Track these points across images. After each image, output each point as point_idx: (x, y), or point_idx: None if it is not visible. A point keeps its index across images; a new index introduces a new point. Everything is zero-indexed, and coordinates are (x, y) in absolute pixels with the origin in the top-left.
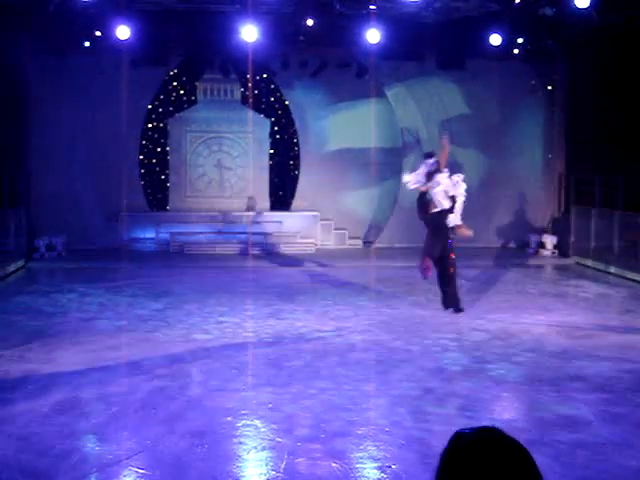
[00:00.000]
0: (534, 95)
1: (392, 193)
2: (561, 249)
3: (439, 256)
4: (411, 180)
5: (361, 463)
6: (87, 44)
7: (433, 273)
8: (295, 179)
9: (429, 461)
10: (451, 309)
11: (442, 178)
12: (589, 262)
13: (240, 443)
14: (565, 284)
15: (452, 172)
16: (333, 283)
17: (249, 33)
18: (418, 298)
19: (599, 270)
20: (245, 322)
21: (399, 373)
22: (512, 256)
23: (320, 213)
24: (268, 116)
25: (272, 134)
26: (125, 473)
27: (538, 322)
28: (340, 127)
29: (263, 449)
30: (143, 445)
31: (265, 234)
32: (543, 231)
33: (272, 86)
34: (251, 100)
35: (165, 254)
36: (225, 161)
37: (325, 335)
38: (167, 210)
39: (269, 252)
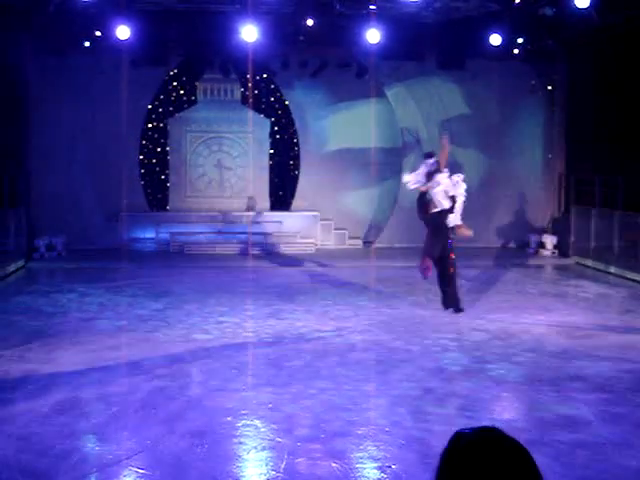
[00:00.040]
0: (534, 95)
1: (392, 193)
2: (561, 249)
3: (439, 256)
4: (411, 180)
5: (361, 463)
6: (87, 44)
7: (433, 273)
8: (295, 179)
9: (429, 461)
10: (451, 309)
11: (442, 178)
12: (589, 262)
13: (240, 443)
14: (565, 284)
15: (452, 172)
16: (333, 283)
17: (249, 33)
18: (418, 298)
19: (599, 270)
20: (245, 322)
21: (399, 373)
22: (512, 256)
23: (320, 213)
24: (268, 116)
25: (272, 134)
26: (125, 473)
27: (538, 322)
28: (340, 127)
29: (263, 449)
30: (143, 445)
31: (265, 234)
32: (543, 231)
33: (272, 86)
34: (251, 100)
35: (165, 254)
36: (225, 161)
37: (325, 335)
38: (167, 210)
39: (269, 252)
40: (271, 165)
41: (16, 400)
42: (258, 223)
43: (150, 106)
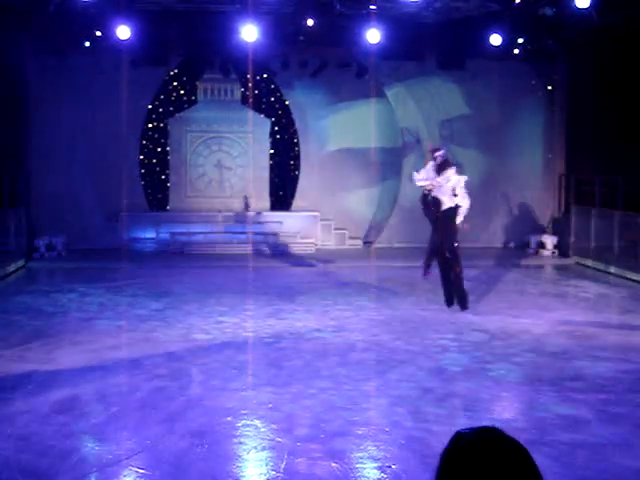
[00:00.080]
0: (534, 95)
1: (392, 193)
2: (561, 249)
3: (446, 256)
4: (421, 177)
5: (361, 463)
6: (87, 44)
7: (434, 273)
8: (295, 179)
9: (429, 461)
10: (455, 306)
11: (451, 174)
12: (589, 262)
13: (240, 443)
14: (565, 284)
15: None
16: (333, 283)
17: (249, 33)
18: (418, 298)
19: (599, 270)
20: (245, 322)
21: (399, 373)
22: (512, 256)
23: (320, 213)
24: (268, 116)
25: (272, 134)
26: (125, 473)
27: (538, 322)
28: (340, 127)
29: (263, 449)
30: (143, 445)
31: (265, 234)
32: (543, 231)
33: (272, 86)
34: (251, 100)
35: (165, 254)
36: (225, 161)
37: (325, 335)
38: (167, 210)
39: (269, 252)
40: (271, 165)
41: (16, 400)
42: (258, 223)
43: (150, 106)
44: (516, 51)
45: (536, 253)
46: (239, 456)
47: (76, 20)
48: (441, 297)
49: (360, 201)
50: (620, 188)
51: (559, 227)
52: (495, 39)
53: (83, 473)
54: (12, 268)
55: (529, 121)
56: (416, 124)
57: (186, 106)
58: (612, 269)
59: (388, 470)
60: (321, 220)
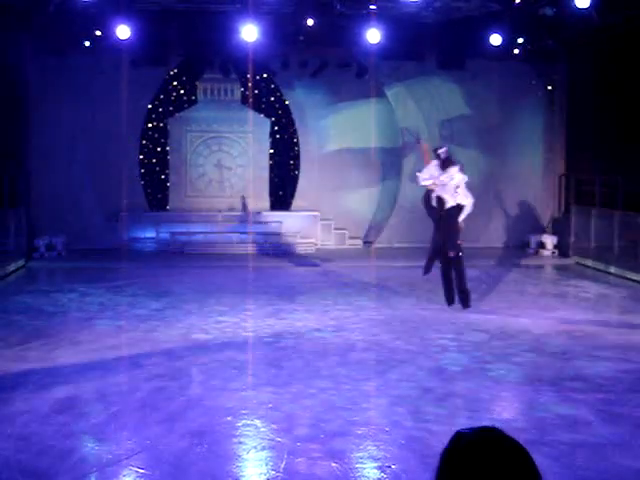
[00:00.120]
0: (534, 95)
1: (392, 193)
2: (561, 249)
3: (448, 255)
4: (425, 177)
5: (361, 463)
6: (87, 44)
7: (435, 272)
8: (295, 179)
9: (429, 461)
10: (457, 305)
11: (455, 172)
12: (589, 262)
13: (240, 443)
14: (565, 284)
15: None
16: (333, 283)
17: (249, 33)
18: (418, 298)
19: (599, 270)
20: (245, 322)
21: (399, 373)
22: (512, 256)
23: (320, 213)
24: (268, 116)
25: (272, 134)
26: (125, 473)
27: (538, 322)
28: (340, 127)
29: (263, 449)
30: (143, 445)
31: (265, 234)
32: (543, 231)
33: (272, 86)
34: (251, 100)
35: (165, 254)
36: (225, 161)
37: (325, 335)
38: (167, 210)
39: (269, 252)
40: (271, 165)
41: (16, 400)
42: (258, 223)
43: (150, 106)
44: (516, 51)
45: (536, 253)
46: (239, 456)
47: (76, 20)
48: (441, 297)
49: (360, 201)
50: (620, 188)
51: (559, 227)
52: (495, 39)
53: (83, 473)
54: (12, 268)
55: (529, 121)
56: (416, 124)
57: (186, 106)
58: (612, 269)
59: (388, 470)
60: (321, 220)
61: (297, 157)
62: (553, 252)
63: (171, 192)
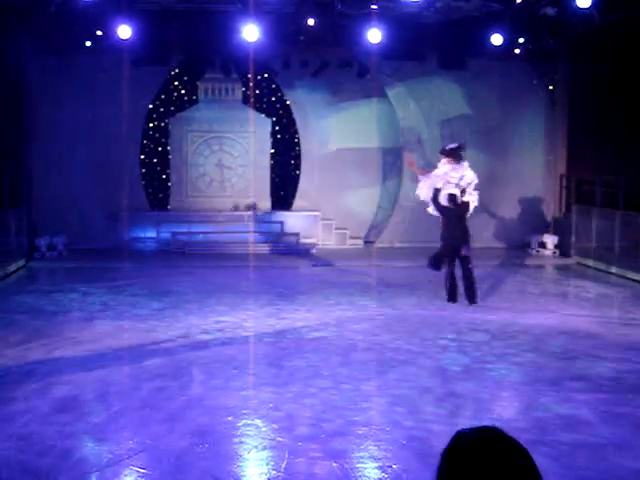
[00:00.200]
0: (535, 95)
1: (393, 193)
2: (562, 249)
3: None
4: (424, 191)
5: (361, 463)
6: (88, 44)
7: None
8: (296, 179)
9: (430, 461)
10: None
11: (465, 169)
12: (590, 262)
13: (241, 442)
14: (566, 284)
15: None
16: (334, 283)
17: (250, 33)
18: (419, 298)
19: (600, 270)
20: (246, 321)
21: (400, 373)
22: (512, 256)
23: (321, 213)
24: (269, 116)
25: (273, 134)
26: (125, 472)
27: (538, 322)
28: (341, 127)
29: (264, 448)
30: (143, 444)
31: (266, 234)
32: (544, 231)
33: (273, 86)
34: (252, 100)
35: (166, 254)
36: (226, 161)
37: (326, 335)
38: (168, 210)
39: (270, 252)
40: (272, 165)
41: (16, 399)
42: (259, 223)
43: (151, 106)
44: (517, 51)
45: (537, 253)
46: (240, 455)
47: (77, 20)
48: (442, 297)
49: (361, 201)
50: (621, 188)
51: (560, 227)
52: (496, 39)
53: (83, 473)
54: (13, 268)
55: (530, 121)
56: (417, 124)
57: (187, 106)
58: (613, 269)
59: (389, 470)
60: (322, 220)
61: (298, 157)
62: (554, 252)
63: (172, 192)
